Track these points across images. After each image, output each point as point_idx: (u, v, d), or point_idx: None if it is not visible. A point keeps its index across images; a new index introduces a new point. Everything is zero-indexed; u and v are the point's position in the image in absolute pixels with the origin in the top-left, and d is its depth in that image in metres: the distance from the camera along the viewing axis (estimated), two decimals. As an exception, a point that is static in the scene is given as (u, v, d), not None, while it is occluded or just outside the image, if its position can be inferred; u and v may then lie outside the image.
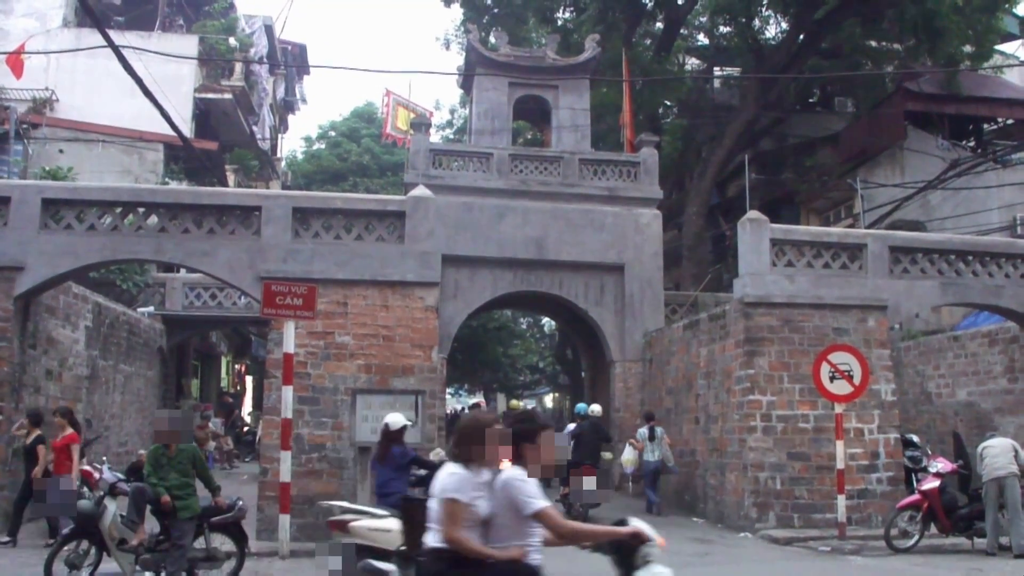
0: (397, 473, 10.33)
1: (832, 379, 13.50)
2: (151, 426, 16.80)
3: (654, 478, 17.05)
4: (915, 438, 17.44)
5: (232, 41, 28.84)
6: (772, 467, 14.39)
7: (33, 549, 11.75)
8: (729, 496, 15.21)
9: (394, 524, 8.53)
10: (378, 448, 10.63)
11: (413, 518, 7.65)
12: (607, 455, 17.47)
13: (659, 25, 30.18)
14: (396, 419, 10.64)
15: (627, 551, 4.98)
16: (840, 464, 13.54)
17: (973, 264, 16.05)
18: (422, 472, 10.64)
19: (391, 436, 10.43)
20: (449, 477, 4.92)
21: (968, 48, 25.65)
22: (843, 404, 13.71)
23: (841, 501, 13.49)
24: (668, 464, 16.94)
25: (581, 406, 18.66)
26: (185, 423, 9.99)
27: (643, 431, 17.36)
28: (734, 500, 14.96)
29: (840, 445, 13.57)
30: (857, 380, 13.46)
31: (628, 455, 17.84)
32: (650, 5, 27.92)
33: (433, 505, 4.96)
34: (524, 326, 50.99)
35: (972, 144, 27.89)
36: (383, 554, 8.34)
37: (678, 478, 17.67)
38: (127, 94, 20.15)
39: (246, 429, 30.48)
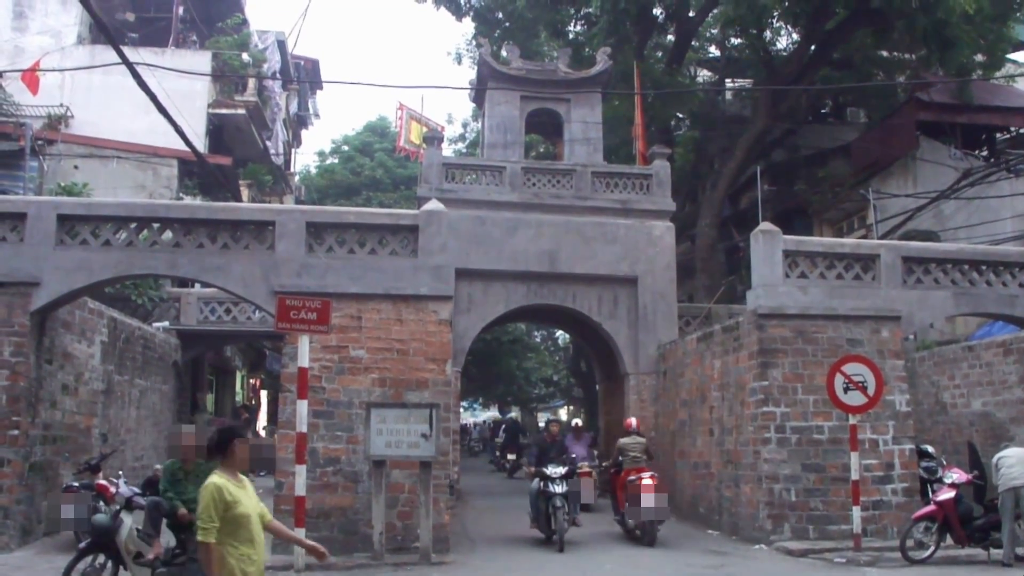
0: (587, 450, 18.77)
1: (846, 390, 13.46)
2: (166, 440, 16.88)
3: None
4: (930, 449, 17.36)
5: (245, 57, 28.96)
6: (787, 478, 14.36)
7: (50, 563, 11.81)
8: (744, 508, 15.17)
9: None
10: (573, 434, 19.05)
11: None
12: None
13: (670, 38, 30.23)
14: (578, 421, 21.38)
15: None
16: (855, 475, 13.50)
17: (987, 274, 16.00)
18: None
19: (579, 428, 20.03)
20: None
21: (980, 57, 25.60)
22: (857, 415, 13.67)
23: (856, 512, 13.44)
24: None
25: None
26: (200, 438, 10.06)
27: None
28: (749, 512, 14.93)
29: (855, 456, 13.54)
30: (871, 391, 13.43)
31: None
32: (661, 18, 27.96)
33: None
34: (538, 339, 51.09)
35: (985, 153, 27.81)
36: None
37: (693, 490, 17.67)
38: (141, 110, 20.24)
39: (260, 443, 30.49)
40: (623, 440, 16.36)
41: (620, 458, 16.18)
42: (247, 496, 5.83)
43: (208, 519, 5.59)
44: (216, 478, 5.73)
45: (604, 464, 17.64)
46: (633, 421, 17.10)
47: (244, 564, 5.67)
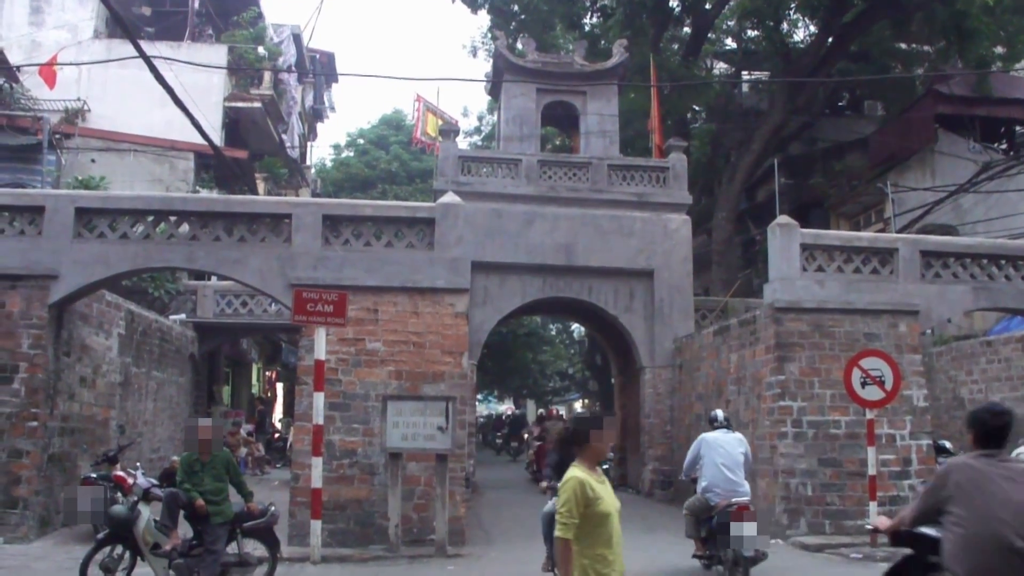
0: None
1: (863, 385, 13.37)
2: (183, 432, 16.96)
3: None
4: (948, 444, 17.15)
5: (261, 50, 28.99)
6: (803, 473, 14.30)
7: (68, 553, 11.87)
8: (760, 502, 15.07)
9: None
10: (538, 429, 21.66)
11: None
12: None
13: (686, 30, 30.16)
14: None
15: None
16: (872, 470, 13.44)
17: (1006, 268, 15.89)
18: None
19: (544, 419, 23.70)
20: None
21: (999, 50, 25.44)
22: (875, 410, 13.59)
23: (873, 508, 13.36)
24: None
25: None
26: (216, 431, 10.08)
27: None
28: (765, 506, 14.84)
29: (872, 451, 13.47)
30: (889, 386, 13.34)
31: None
32: (677, 10, 27.91)
33: None
34: (553, 332, 51.02)
35: (1004, 147, 27.64)
36: None
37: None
38: (158, 104, 20.30)
39: (277, 435, 30.65)
40: (548, 423, 23.14)
41: (546, 436, 20.83)
42: (607, 492, 5.47)
43: (568, 515, 5.24)
44: (577, 471, 5.38)
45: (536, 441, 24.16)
46: (555, 410, 25.85)
47: (599, 565, 5.29)
